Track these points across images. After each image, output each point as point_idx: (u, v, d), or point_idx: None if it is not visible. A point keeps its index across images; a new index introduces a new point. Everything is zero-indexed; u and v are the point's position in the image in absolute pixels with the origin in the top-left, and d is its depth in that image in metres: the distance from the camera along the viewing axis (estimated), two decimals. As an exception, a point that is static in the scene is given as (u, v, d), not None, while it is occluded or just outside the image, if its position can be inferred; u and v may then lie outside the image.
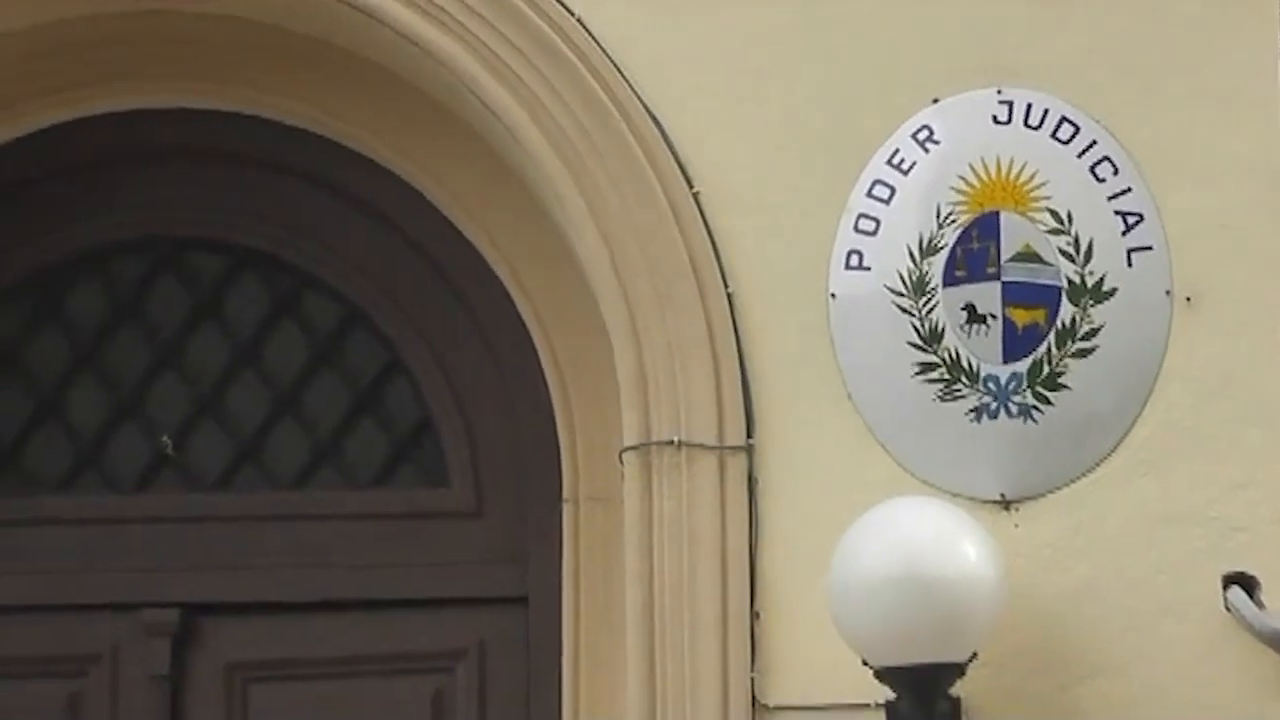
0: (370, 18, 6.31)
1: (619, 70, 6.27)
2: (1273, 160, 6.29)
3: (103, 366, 6.92)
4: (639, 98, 6.25)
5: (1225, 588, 6.00)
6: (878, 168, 6.22)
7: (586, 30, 6.27)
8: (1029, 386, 6.15)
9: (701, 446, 6.14)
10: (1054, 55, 6.29)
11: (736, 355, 6.18)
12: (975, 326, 6.18)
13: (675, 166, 6.22)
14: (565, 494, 6.66)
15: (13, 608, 6.76)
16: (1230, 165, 6.24)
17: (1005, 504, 6.08)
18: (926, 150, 6.25)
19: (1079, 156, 6.21)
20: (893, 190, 6.21)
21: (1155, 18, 6.36)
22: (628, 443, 6.20)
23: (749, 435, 6.16)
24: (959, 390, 6.15)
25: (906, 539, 5.89)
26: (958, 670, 5.83)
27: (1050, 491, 6.13)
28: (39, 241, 6.92)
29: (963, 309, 6.17)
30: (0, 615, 6.79)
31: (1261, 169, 6.25)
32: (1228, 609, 5.97)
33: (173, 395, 6.98)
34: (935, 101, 6.28)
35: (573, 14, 6.26)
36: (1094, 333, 6.15)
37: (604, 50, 6.29)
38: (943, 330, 6.17)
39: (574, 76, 6.27)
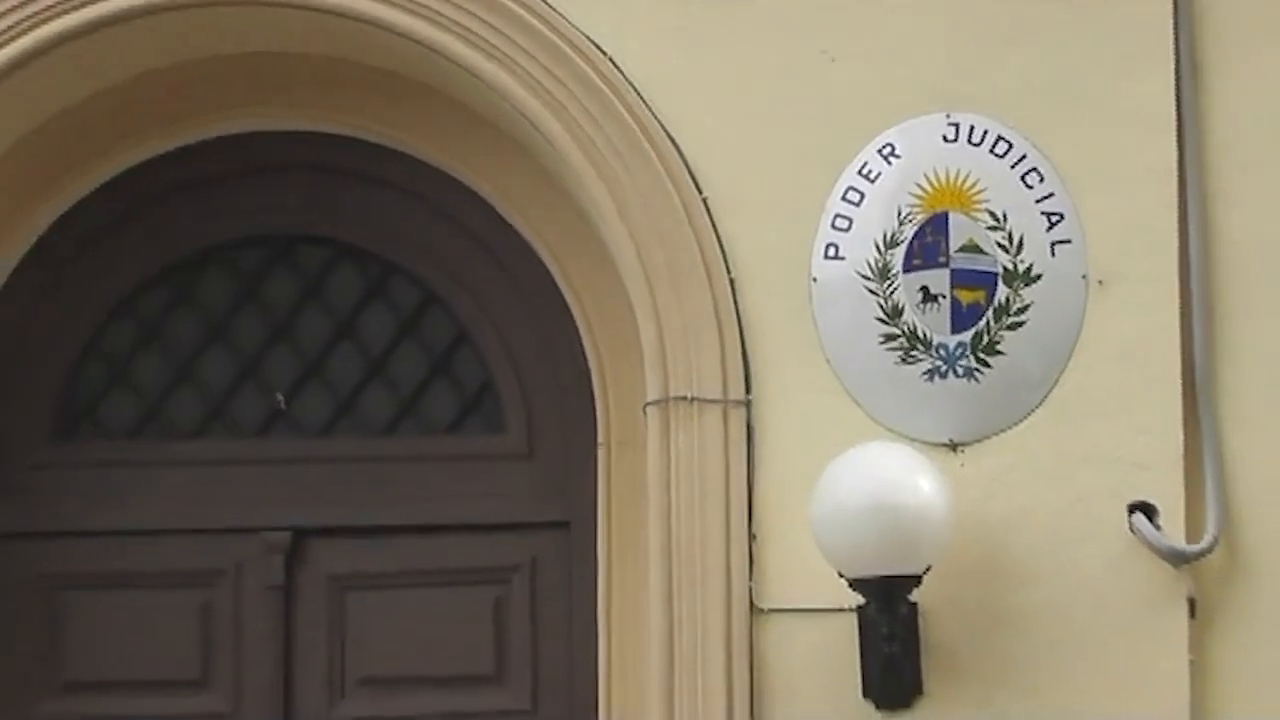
0: (445, 58, 6.52)
1: (643, 99, 6.46)
2: (1168, 169, 6.43)
3: (228, 337, 7.14)
4: (659, 121, 6.45)
5: (1130, 514, 6.20)
6: (850, 177, 6.42)
7: (617, 67, 6.45)
8: (972, 353, 6.37)
9: (709, 401, 6.36)
10: (992, 87, 6.46)
11: (737, 328, 6.41)
12: (929, 304, 6.40)
13: (688, 177, 6.43)
14: (600, 439, 6.85)
15: (157, 531, 6.98)
16: (1134, 174, 6.41)
17: (953, 447, 6.30)
18: (889, 163, 6.44)
19: (1012, 168, 6.39)
20: (862, 195, 6.41)
21: (1072, 55, 6.47)
22: (650, 398, 6.43)
23: (747, 392, 6.39)
24: (916, 355, 6.38)
25: (874, 475, 6.13)
26: (915, 581, 6.09)
27: (989, 437, 6.34)
28: (178, 236, 7.14)
29: (919, 290, 6.39)
30: (148, 537, 7.01)
31: (1158, 177, 6.42)
32: (1132, 531, 6.20)
33: (284, 360, 7.18)
34: (896, 124, 6.44)
35: (605, 53, 6.44)
36: (1024, 310, 6.36)
37: (631, 83, 6.48)
38: (903, 308, 6.38)
39: (606, 104, 6.46)
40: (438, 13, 6.54)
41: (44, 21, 6.59)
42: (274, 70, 6.98)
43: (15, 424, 7.08)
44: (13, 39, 6.59)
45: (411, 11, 6.55)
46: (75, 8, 6.59)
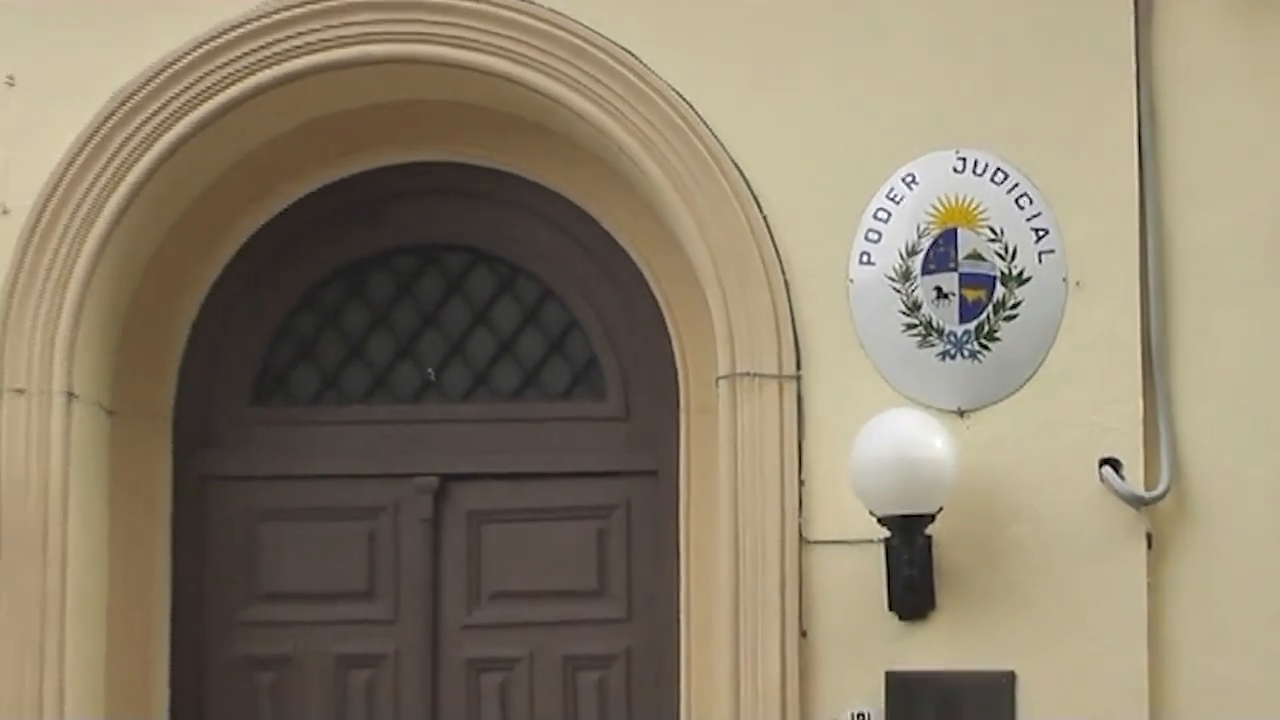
0: (560, 104, 6.73)
1: (715, 136, 6.65)
2: (1131, 194, 6.55)
3: (389, 324, 7.30)
4: (728, 154, 6.63)
5: (1100, 467, 6.43)
6: (880, 199, 6.63)
7: (694, 110, 6.64)
8: (975, 339, 6.59)
9: (767, 376, 6.58)
10: (992, 129, 6.62)
11: (789, 318, 6.60)
12: (941, 301, 6.60)
13: (751, 198, 6.63)
14: (681, 406, 7.03)
15: (333, 476, 7.18)
16: (1103, 198, 6.58)
17: (960, 413, 6.52)
18: (910, 189, 6.63)
19: (1008, 193, 6.59)
20: (889, 214, 6.62)
21: (1054, 103, 6.58)
22: (720, 373, 6.66)
23: (798, 369, 6.59)
24: (931, 341, 6.59)
25: (897, 435, 6.37)
26: (930, 518, 6.37)
27: (989, 405, 6.56)
28: (350, 245, 7.32)
29: (934, 289, 6.59)
30: (326, 481, 7.20)
31: (1123, 200, 6.55)
32: (1101, 480, 6.42)
33: (433, 342, 7.31)
34: (916, 158, 6.62)
35: (685, 99, 6.63)
36: (1017, 305, 6.56)
37: (705, 123, 6.65)
38: (921, 303, 6.59)
39: (686, 140, 6.65)
40: (554, 69, 6.68)
41: (251, 73, 6.79)
42: (426, 114, 7.11)
43: (223, 391, 7.29)
44: (225, 87, 6.79)
45: (535, 69, 6.70)
46: (276, 63, 6.78)
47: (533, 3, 6.73)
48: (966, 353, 6.59)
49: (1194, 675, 6.46)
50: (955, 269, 6.63)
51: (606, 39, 6.69)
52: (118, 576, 6.98)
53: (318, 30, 6.77)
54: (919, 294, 6.61)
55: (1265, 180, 6.60)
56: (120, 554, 7.01)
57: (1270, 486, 6.52)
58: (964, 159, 6.63)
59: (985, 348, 6.58)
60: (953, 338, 6.60)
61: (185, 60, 6.76)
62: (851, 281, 6.63)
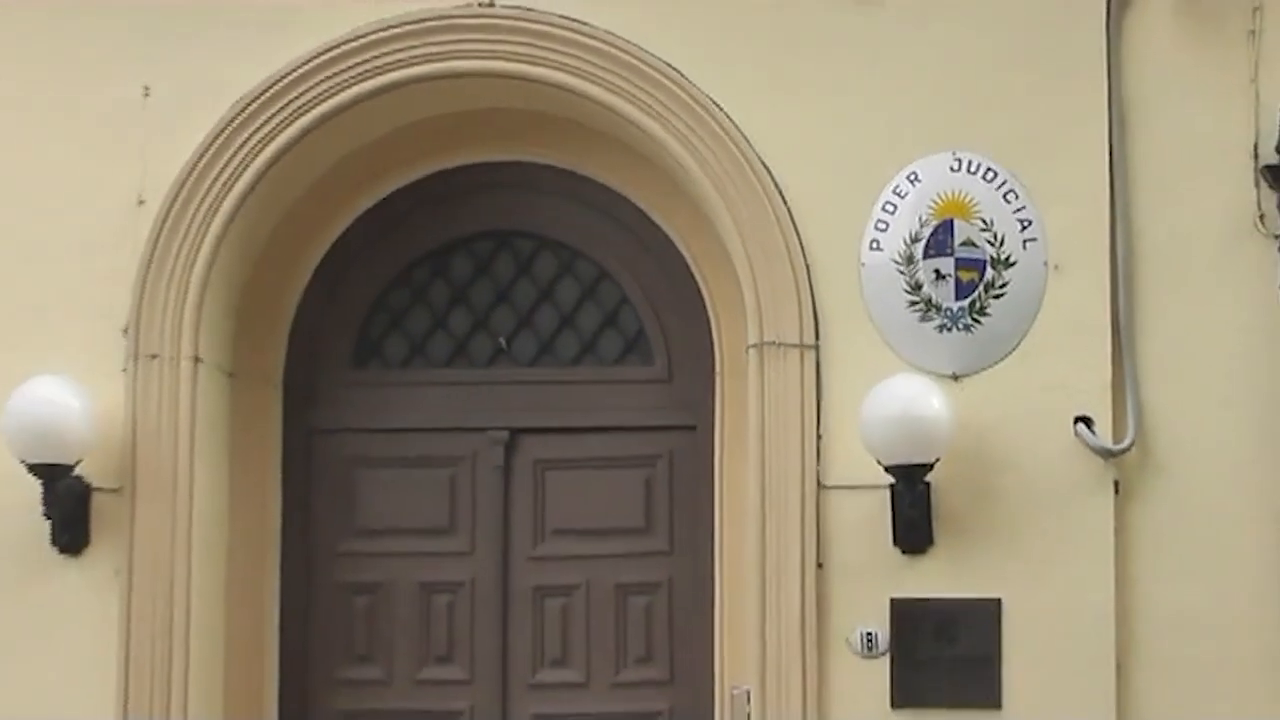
0: (611, 111, 6.81)
1: (746, 139, 6.71)
2: (1102, 190, 6.59)
3: (468, 300, 7.34)
4: (757, 154, 6.71)
5: (1075, 424, 6.51)
6: (887, 194, 6.70)
7: (729, 117, 6.71)
8: (969, 314, 6.65)
9: (790, 345, 6.65)
10: (984, 134, 6.66)
11: (810, 296, 6.67)
12: (940, 281, 6.66)
13: (776, 192, 6.70)
14: (717, 370, 7.08)
15: (419, 429, 7.22)
16: (1079, 193, 6.62)
17: (955, 378, 6.59)
18: (914, 185, 6.69)
19: (997, 189, 6.66)
20: (896, 207, 6.69)
21: (1037, 111, 6.62)
22: (750, 342, 6.75)
23: (816, 339, 6.67)
24: (930, 316, 6.66)
25: (901, 396, 6.48)
26: (929, 467, 6.47)
27: (979, 371, 6.63)
28: (435, 231, 7.34)
29: (933, 272, 6.66)
30: (413, 433, 7.22)
31: (1095, 195, 6.60)
32: (1076, 435, 6.50)
33: (504, 315, 7.34)
34: (919, 158, 6.69)
35: (720, 108, 6.69)
36: (1004, 285, 6.64)
37: (738, 128, 6.71)
38: (922, 283, 6.66)
39: (721, 142, 6.73)
40: (609, 82, 6.75)
41: (351, 85, 6.85)
42: (500, 120, 7.16)
43: (327, 356, 7.34)
44: (329, 97, 6.85)
45: (593, 82, 6.76)
46: (372, 76, 6.84)
47: (590, 25, 6.77)
48: (961, 326, 6.65)
49: (1154, 603, 6.50)
50: (952, 254, 6.68)
51: (654, 56, 6.76)
52: (236, 515, 7.08)
53: (409, 48, 6.83)
54: (920, 275, 6.67)
55: (1219, 175, 6.61)
56: (238, 496, 7.09)
57: (1221, 441, 6.54)
58: (960, 160, 6.69)
59: (977, 322, 6.65)
60: (949, 313, 6.66)
61: (296, 73, 6.84)
62: (863, 264, 6.69)
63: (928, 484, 6.47)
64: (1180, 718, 6.47)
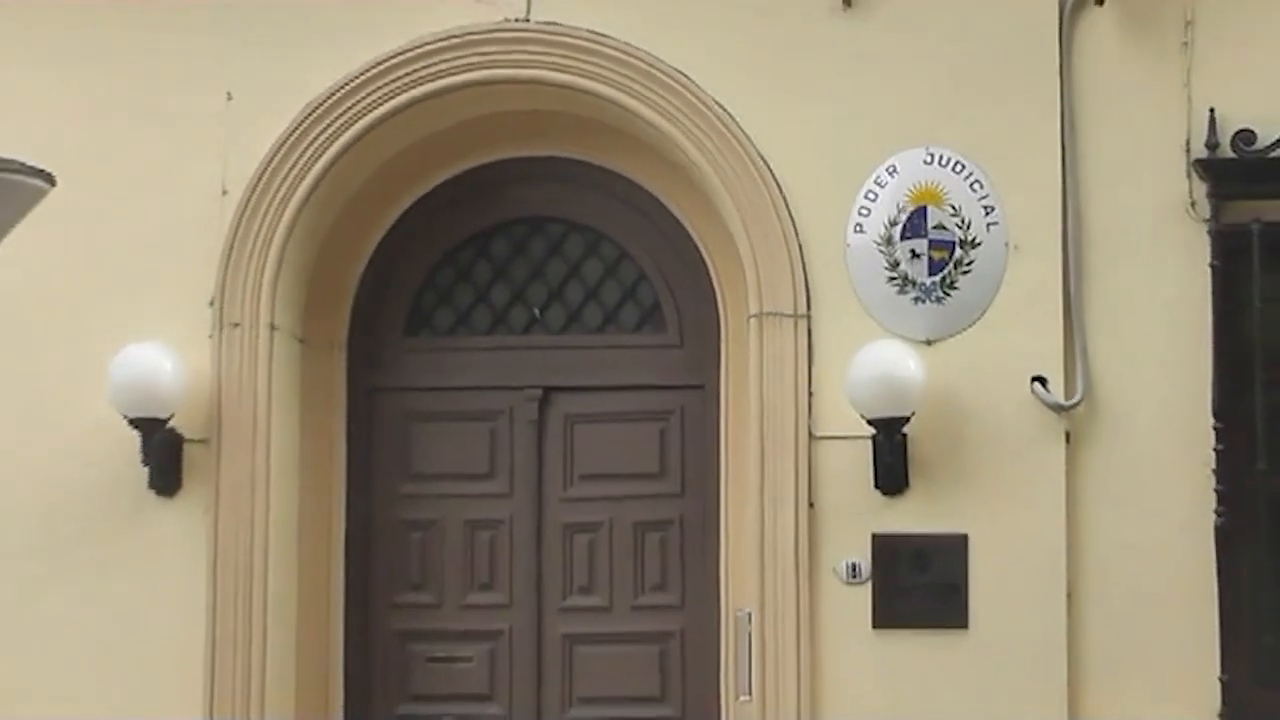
0: (631, 113, 6.84)
1: (746, 136, 6.74)
2: (1055, 181, 6.59)
3: (506, 276, 7.35)
4: (756, 149, 6.73)
5: (1031, 383, 6.54)
6: (869, 184, 6.71)
7: (731, 117, 6.74)
8: (940, 288, 6.66)
9: (785, 315, 6.70)
10: (954, 132, 6.67)
11: (802, 272, 6.70)
12: (915, 260, 6.67)
13: (774, 182, 6.73)
14: (721, 337, 7.09)
15: (464, 388, 7.24)
16: (1035, 183, 6.63)
17: (928, 343, 6.61)
18: (892, 177, 6.71)
19: (964, 180, 6.67)
20: (876, 195, 6.71)
21: (1000, 112, 6.63)
22: (750, 313, 6.77)
23: (808, 310, 6.69)
24: (907, 290, 6.68)
25: (882, 359, 6.52)
26: (905, 420, 6.51)
27: (949, 337, 6.65)
28: (478, 216, 7.33)
29: (909, 251, 6.68)
30: (459, 391, 7.23)
31: (1049, 185, 6.59)
32: (1032, 393, 6.53)
33: (538, 290, 7.34)
34: (897, 153, 6.70)
35: (725, 109, 6.72)
36: (971, 263, 6.65)
37: (740, 126, 6.74)
38: (899, 261, 6.68)
39: (724, 137, 6.75)
40: (629, 87, 6.79)
41: (406, 90, 6.89)
42: (535, 121, 7.16)
43: (385, 325, 7.34)
44: (387, 100, 6.89)
45: (615, 88, 6.81)
46: (425, 82, 6.88)
47: (612, 38, 6.80)
48: (933, 298, 6.66)
49: (1100, 536, 6.54)
50: (925, 236, 6.68)
51: (667, 64, 6.79)
52: (307, 464, 7.10)
53: (454, 59, 6.86)
54: (898, 254, 6.69)
55: (1156, 168, 6.62)
56: (308, 446, 7.12)
57: (1157, 396, 6.57)
58: (932, 154, 6.70)
59: (947, 294, 6.66)
60: (923, 287, 6.68)
61: (356, 81, 6.88)
62: (848, 245, 6.71)
63: (904, 435, 6.51)
64: (1122, 634, 6.49)
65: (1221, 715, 6.39)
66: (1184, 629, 6.45)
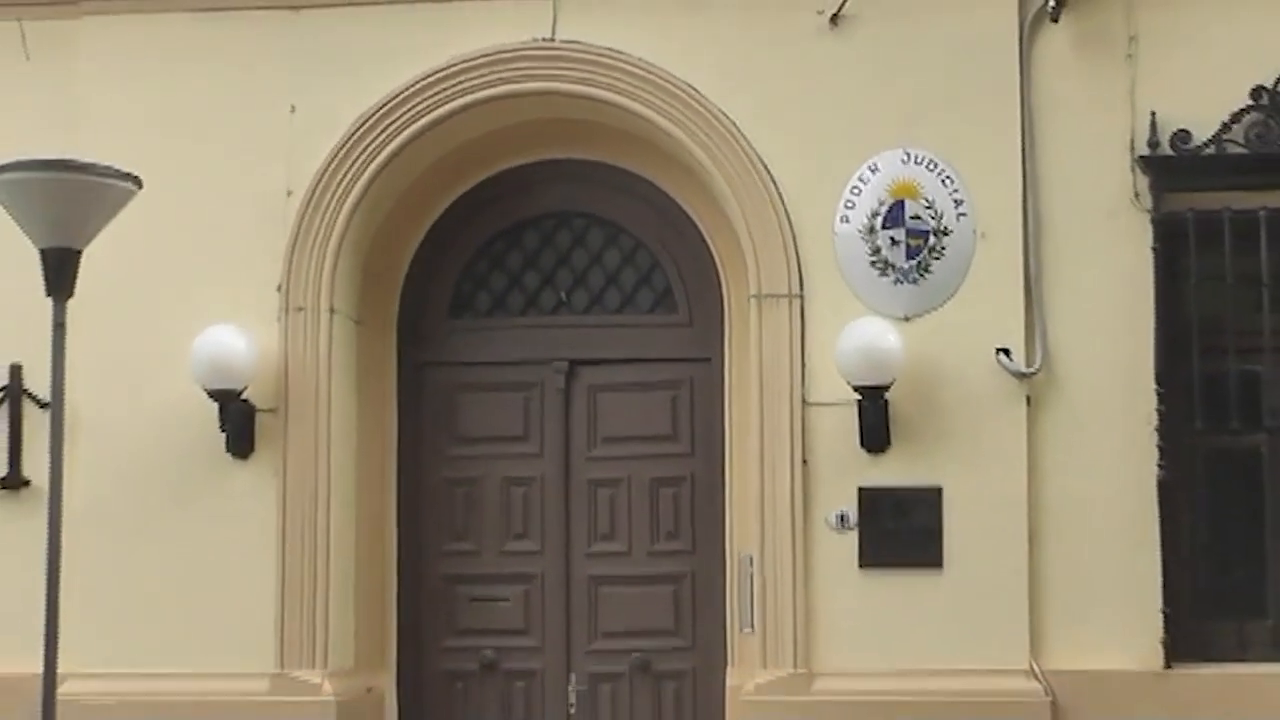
0: (646, 120, 6.86)
1: (746, 138, 6.76)
2: (1016, 176, 6.65)
3: (536, 265, 7.34)
4: (754, 149, 6.76)
5: (996, 353, 6.56)
6: (854, 180, 6.76)
7: (733, 123, 6.76)
8: (916, 271, 6.70)
9: (781, 296, 6.74)
10: (928, 135, 6.72)
11: (795, 258, 6.72)
12: (895, 246, 6.71)
13: (770, 179, 6.75)
14: (725, 316, 7.11)
15: (502, 362, 7.20)
16: (1000, 180, 6.68)
17: (906, 319, 6.67)
18: (874, 174, 6.76)
19: (937, 176, 6.72)
20: (860, 190, 6.76)
21: (968, 117, 6.68)
22: (751, 294, 6.80)
23: (801, 291, 6.72)
24: (888, 273, 6.72)
25: (866, 333, 6.56)
26: (886, 388, 6.56)
27: (925, 314, 6.69)
28: (512, 212, 7.37)
29: (889, 239, 6.72)
30: (497, 366, 7.15)
31: (1011, 180, 6.65)
32: (998, 362, 6.57)
33: (565, 275, 7.29)
34: (878, 153, 6.75)
35: (728, 117, 6.74)
36: (943, 249, 6.69)
37: (739, 130, 6.77)
38: (881, 248, 6.73)
39: (727, 141, 6.78)
40: (644, 98, 6.82)
41: (445, 103, 6.91)
42: (562, 128, 7.17)
43: (431, 308, 7.37)
44: (429, 111, 6.91)
45: (632, 98, 6.83)
46: (461, 95, 6.90)
47: (628, 54, 6.82)
48: (910, 280, 6.70)
49: (1057, 488, 6.59)
50: (903, 225, 6.72)
51: (677, 78, 6.81)
52: (363, 430, 7.15)
53: (489, 74, 6.90)
54: (879, 242, 6.73)
55: (1105, 164, 6.65)
56: (365, 415, 7.17)
57: (1106, 365, 6.60)
58: (909, 154, 6.76)
59: (922, 276, 6.70)
60: (901, 270, 6.72)
61: (402, 95, 6.91)
62: (835, 234, 6.75)
63: (886, 400, 6.56)
64: (1077, 572, 6.51)
65: (1163, 642, 6.45)
66: (1131, 568, 6.49)
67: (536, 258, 7.43)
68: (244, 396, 6.84)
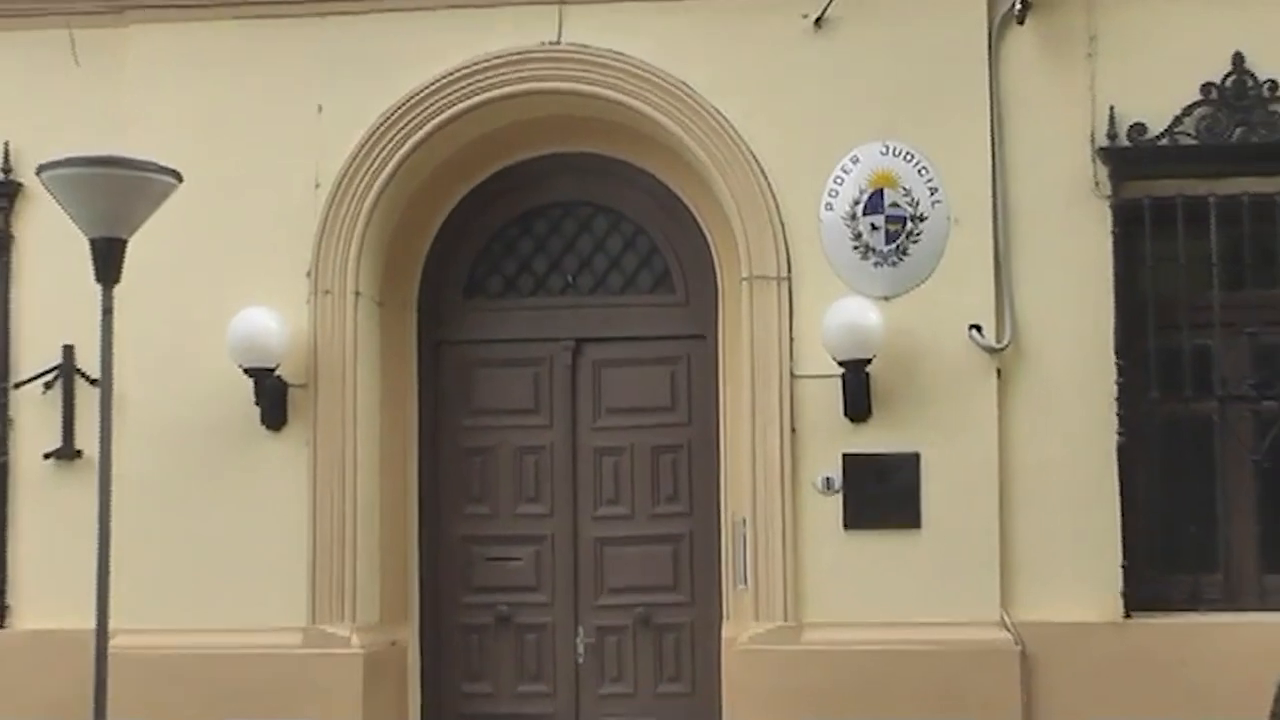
0: (646, 117, 6.87)
1: (736, 131, 6.77)
2: (986, 166, 6.66)
3: (545, 249, 7.39)
4: (744, 141, 6.76)
5: (969, 329, 6.63)
6: (837, 171, 6.78)
7: (724, 117, 6.76)
8: (895, 254, 6.72)
9: (769, 278, 6.76)
10: (905, 129, 6.74)
11: (783, 242, 6.74)
12: (875, 231, 6.74)
13: (759, 169, 6.76)
14: (719, 296, 7.09)
15: (514, 340, 7.23)
16: (970, 170, 6.70)
17: (886, 299, 6.59)
18: (855, 165, 6.78)
19: (914, 167, 6.75)
20: (843, 179, 6.78)
21: (940, 111, 6.68)
22: (742, 276, 6.81)
23: (789, 273, 6.73)
24: (869, 256, 6.74)
25: (848, 311, 6.60)
26: (868, 361, 6.58)
27: (904, 294, 6.72)
28: (523, 201, 7.38)
29: (869, 224, 6.74)
30: (511, 342, 7.16)
31: (982, 169, 6.67)
32: (970, 338, 6.62)
33: (572, 260, 7.31)
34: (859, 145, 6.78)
35: (720, 112, 6.75)
36: (920, 234, 6.72)
37: (731, 124, 6.77)
38: (862, 232, 6.75)
39: (720, 135, 6.79)
40: (645, 96, 6.82)
41: (461, 100, 6.91)
42: (570, 124, 7.17)
43: (447, 290, 7.38)
44: (446, 109, 6.91)
45: (634, 96, 6.84)
46: (475, 94, 6.91)
47: (629, 55, 6.82)
48: (890, 263, 6.73)
49: (1025, 454, 6.62)
50: (882, 212, 6.75)
51: (674, 77, 6.83)
52: (386, 403, 7.13)
53: (499, 75, 6.91)
54: (861, 227, 6.76)
55: (1068, 154, 6.68)
56: (388, 390, 7.16)
57: (1069, 340, 6.63)
58: (887, 146, 6.79)
59: (901, 259, 6.73)
60: (881, 254, 6.75)
61: (423, 92, 6.90)
62: (821, 220, 6.78)
63: (867, 373, 6.60)
64: (1043, 531, 6.55)
65: (1123, 594, 6.51)
66: (1093, 527, 6.53)
67: (545, 244, 7.46)
68: (277, 373, 6.86)
